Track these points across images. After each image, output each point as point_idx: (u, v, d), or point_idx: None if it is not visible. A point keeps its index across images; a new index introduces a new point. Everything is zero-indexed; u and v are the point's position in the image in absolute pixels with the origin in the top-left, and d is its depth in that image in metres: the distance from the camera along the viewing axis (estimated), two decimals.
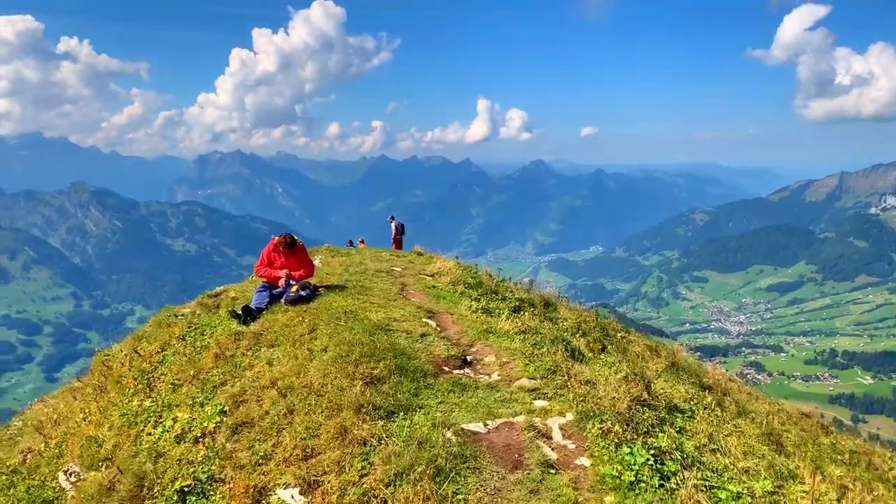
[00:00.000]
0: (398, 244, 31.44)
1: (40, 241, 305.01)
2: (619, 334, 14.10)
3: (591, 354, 10.20)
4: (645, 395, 7.37)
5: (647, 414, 7.09)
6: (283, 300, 10.28)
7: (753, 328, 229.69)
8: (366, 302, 10.18)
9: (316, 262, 16.51)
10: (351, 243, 33.52)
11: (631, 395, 7.13)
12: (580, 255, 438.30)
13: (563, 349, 9.08)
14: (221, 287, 13.44)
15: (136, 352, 9.96)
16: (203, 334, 10.20)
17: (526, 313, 12.42)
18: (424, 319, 9.75)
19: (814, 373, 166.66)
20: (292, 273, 10.80)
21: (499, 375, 7.99)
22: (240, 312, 9.88)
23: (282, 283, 10.68)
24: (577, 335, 11.59)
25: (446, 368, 8.07)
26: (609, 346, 11.62)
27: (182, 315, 11.55)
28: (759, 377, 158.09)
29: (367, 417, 6.57)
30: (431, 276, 13.93)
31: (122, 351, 10.82)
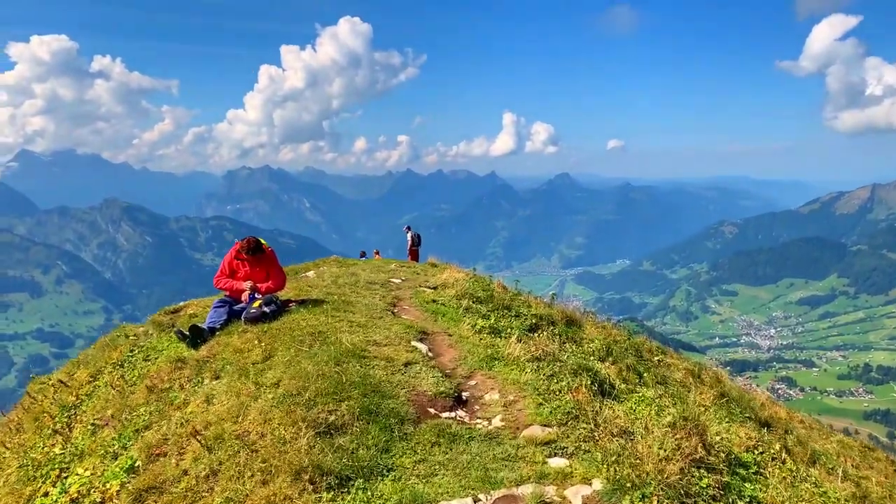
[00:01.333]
0: (414, 255, 30.08)
1: (73, 255, 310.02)
2: (655, 357, 11.99)
3: (624, 386, 8.17)
4: (701, 450, 5.33)
5: (705, 480, 5.06)
6: (242, 318, 8.40)
7: (784, 342, 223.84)
8: (343, 320, 8.25)
9: (310, 275, 14.66)
10: (364, 255, 32.00)
11: (684, 452, 5.07)
12: (607, 268, 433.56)
13: (589, 382, 7.03)
14: (184, 302, 11.60)
15: (63, 381, 8.10)
16: (147, 359, 8.35)
17: (544, 333, 10.40)
18: (413, 343, 7.77)
19: (847, 388, 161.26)
20: (258, 285, 8.93)
21: (502, 420, 5.99)
22: (187, 333, 8.01)
23: (245, 296, 8.82)
24: (607, 361, 9.56)
25: (433, 410, 6.09)
26: (646, 374, 9.56)
27: (135, 335, 9.71)
28: (791, 392, 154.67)
29: (310, 487, 4.63)
30: (434, 288, 11.99)
31: (57, 379, 8.98)
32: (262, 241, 9.06)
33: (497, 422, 5.96)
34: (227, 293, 9.10)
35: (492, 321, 9.62)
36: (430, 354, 7.55)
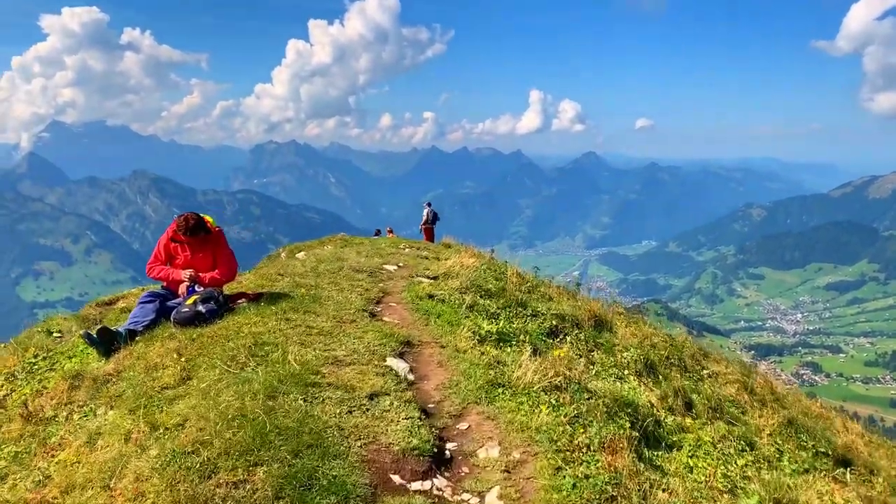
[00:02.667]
0: (429, 234, 28.37)
1: (102, 226, 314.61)
2: (700, 367, 9.86)
3: (671, 421, 6.15)
4: None
5: None
6: (171, 319, 6.46)
7: (811, 327, 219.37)
8: (300, 326, 6.25)
9: (300, 256, 12.71)
10: (378, 233, 30.22)
11: None
12: (632, 249, 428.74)
13: (629, 425, 4.98)
14: (123, 291, 9.71)
15: None
16: (53, 368, 6.46)
17: (566, 339, 8.36)
18: (389, 360, 5.73)
19: (874, 375, 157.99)
20: (200, 275, 6.98)
21: (500, 497, 3.96)
22: (95, 336, 6.10)
23: (182, 289, 6.88)
24: (647, 379, 7.51)
25: (398, 478, 4.06)
26: (696, 400, 7.48)
27: (59, 332, 7.80)
28: (816, 378, 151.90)
29: None
30: (434, 278, 9.93)
31: None
32: (208, 219, 7.09)
33: (493, 500, 3.94)
34: (165, 284, 7.18)
35: (500, 324, 7.57)
36: (409, 378, 5.52)
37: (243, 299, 7.08)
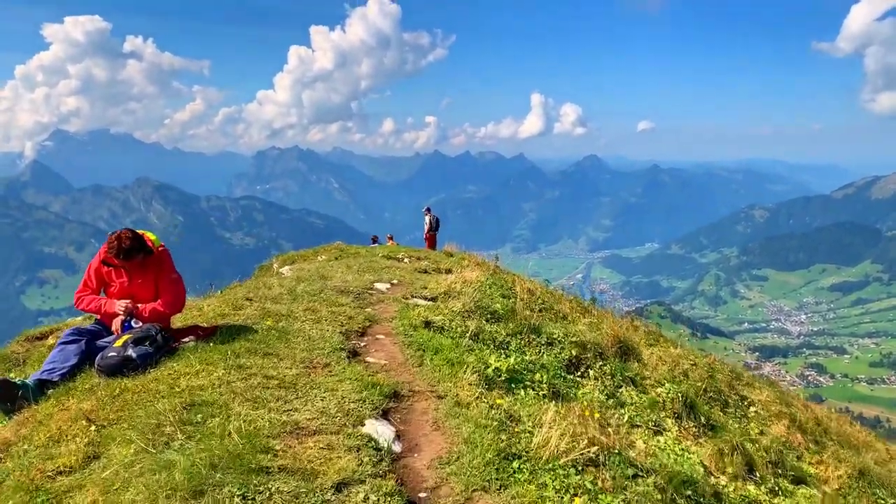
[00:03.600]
0: (431, 241, 27.20)
1: (106, 233, 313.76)
2: (746, 403, 8.47)
3: (731, 490, 4.79)
4: None
5: None
6: (95, 364, 5.09)
7: (815, 328, 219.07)
8: (258, 374, 4.83)
9: (285, 272, 11.35)
10: (376, 240, 28.67)
11: None
12: (635, 251, 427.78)
13: None
14: (58, 323, 8.35)
15: None
16: None
17: (590, 373, 6.98)
18: (367, 425, 4.28)
19: (879, 376, 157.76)
20: (139, 306, 5.62)
21: None
22: None
23: (117, 324, 5.52)
24: (688, 423, 6.14)
25: None
26: (751, 448, 6.10)
27: None
28: (821, 379, 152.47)
29: None
30: (432, 299, 8.56)
31: None
32: (150, 237, 5.73)
33: None
34: (97, 318, 5.82)
35: (511, 360, 6.18)
36: (394, 450, 4.12)
37: (191, 336, 5.71)
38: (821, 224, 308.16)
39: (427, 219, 27.65)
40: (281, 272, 11.17)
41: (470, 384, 5.34)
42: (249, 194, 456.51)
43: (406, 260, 15.78)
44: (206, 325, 6.21)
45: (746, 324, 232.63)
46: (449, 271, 14.72)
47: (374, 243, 27.21)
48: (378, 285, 9.22)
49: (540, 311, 9.97)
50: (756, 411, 8.03)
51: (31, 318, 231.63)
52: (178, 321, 6.52)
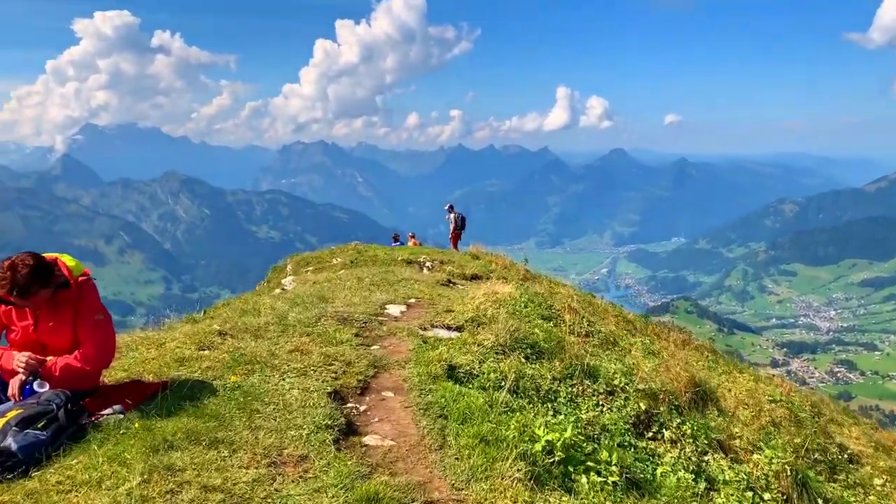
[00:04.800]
0: (456, 240, 25.52)
1: (134, 226, 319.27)
2: (866, 472, 6.69)
3: None
4: None
5: None
6: None
7: (845, 324, 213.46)
8: (192, 484, 3.17)
9: (287, 284, 9.74)
10: (397, 239, 26.85)
11: None
12: (661, 246, 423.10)
13: None
14: None
15: None
16: None
17: (665, 437, 5.25)
18: None
19: None
20: (46, 361, 4.01)
21: None
22: None
23: (14, 386, 3.89)
24: None
25: None
26: None
27: None
28: (851, 376, 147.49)
29: None
30: (458, 328, 6.86)
31: None
32: (66, 262, 4.11)
33: None
34: None
35: (567, 433, 4.43)
36: None
37: (118, 406, 4.05)
38: (852, 218, 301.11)
39: (451, 217, 25.82)
40: (283, 284, 9.58)
41: (514, 481, 3.64)
42: (275, 188, 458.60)
43: (427, 264, 14.27)
44: (150, 378, 4.57)
45: (774, 319, 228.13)
46: (475, 277, 13.12)
47: (395, 242, 25.81)
48: (390, 308, 7.55)
49: (587, 334, 8.27)
50: (882, 485, 6.24)
51: None
52: (118, 371, 4.90)
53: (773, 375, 12.10)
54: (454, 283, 10.94)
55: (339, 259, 15.94)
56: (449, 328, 6.86)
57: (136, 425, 3.69)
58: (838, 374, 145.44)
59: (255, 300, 8.14)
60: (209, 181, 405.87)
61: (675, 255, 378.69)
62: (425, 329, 6.73)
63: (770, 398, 8.08)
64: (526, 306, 8.41)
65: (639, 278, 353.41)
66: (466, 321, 7.04)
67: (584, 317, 9.04)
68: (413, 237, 26.81)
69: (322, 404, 4.29)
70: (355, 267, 12.98)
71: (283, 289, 10.23)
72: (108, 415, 3.91)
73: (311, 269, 15.14)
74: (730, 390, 7.55)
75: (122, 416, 3.93)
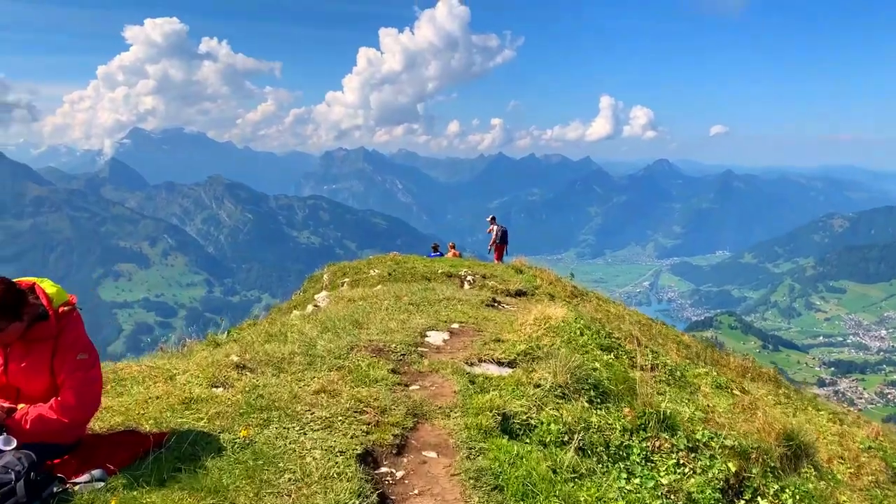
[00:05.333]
0: (500, 253, 24.52)
1: (178, 229, 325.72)
2: None
3: None
4: None
5: None
6: None
7: None
8: None
9: (320, 301, 9.03)
10: (436, 249, 26.00)
11: None
12: (705, 259, 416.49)
13: None
14: None
15: None
16: None
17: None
18: None
19: None
20: (16, 410, 3.28)
21: None
22: None
23: None
24: None
25: None
26: None
27: None
28: None
29: None
30: (510, 364, 5.99)
31: None
32: (45, 289, 3.40)
33: None
34: None
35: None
36: None
37: (97, 472, 3.27)
38: None
39: (493, 229, 25.01)
40: (316, 300, 8.85)
41: None
42: (316, 194, 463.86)
43: (469, 278, 13.50)
44: (148, 427, 3.81)
45: (821, 337, 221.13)
46: (520, 294, 12.31)
47: (434, 252, 24.97)
48: (431, 336, 6.71)
49: (651, 367, 7.34)
50: None
51: (106, 309, 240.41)
52: (115, 414, 4.14)
53: (849, 409, 10.97)
54: (499, 303, 10.06)
55: (376, 271, 15.16)
56: (499, 363, 6.02)
57: (130, 488, 2.91)
58: (889, 396, 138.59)
59: (282, 322, 7.39)
60: (252, 186, 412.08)
61: (720, 268, 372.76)
62: (472, 364, 5.88)
63: (861, 444, 7.06)
64: (582, 334, 7.50)
65: (681, 291, 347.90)
66: (518, 354, 6.17)
67: (646, 346, 8.07)
68: (453, 247, 25.85)
69: (349, 473, 3.44)
70: (393, 281, 12.33)
71: (315, 306, 9.54)
72: (84, 483, 3.14)
73: (347, 280, 14.40)
74: (818, 438, 6.54)
75: (101, 483, 3.16)
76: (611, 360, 6.73)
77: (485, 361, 6.02)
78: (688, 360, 9.78)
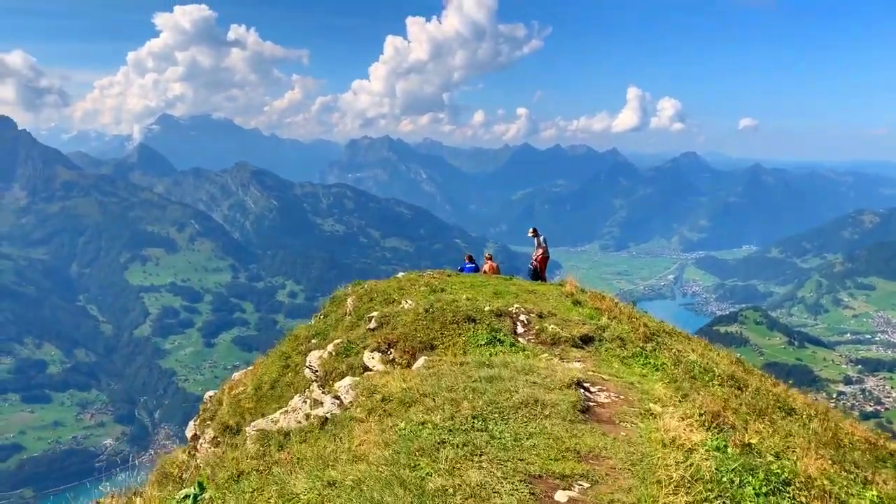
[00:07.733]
0: (542, 266, 22.81)
1: (205, 215, 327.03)
2: None
3: None
4: None
5: None
6: None
7: None
8: None
9: (343, 391, 9.56)
10: (471, 260, 23.65)
11: None
12: (731, 253, 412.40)
13: None
14: None
15: None
16: None
17: None
18: None
19: None
20: None
21: None
22: None
23: None
24: None
25: None
26: None
27: None
28: None
29: None
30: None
31: None
32: None
33: None
34: None
35: None
36: None
37: None
38: None
39: (537, 242, 22.87)
40: (338, 391, 8.60)
41: None
42: (341, 182, 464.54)
43: (522, 317, 12.48)
44: None
45: (849, 334, 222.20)
46: (586, 341, 11.40)
47: (469, 264, 23.09)
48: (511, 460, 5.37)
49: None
50: None
51: (134, 293, 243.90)
52: None
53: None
54: (588, 397, 7.55)
55: (409, 303, 13.58)
56: (582, 481, 5.00)
57: None
58: None
59: (273, 476, 5.55)
60: (278, 173, 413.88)
61: (746, 263, 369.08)
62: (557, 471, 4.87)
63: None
64: (741, 483, 5.33)
65: (706, 286, 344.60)
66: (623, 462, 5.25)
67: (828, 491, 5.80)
68: (490, 259, 23.42)
69: None
70: (430, 321, 11.37)
71: (336, 399, 8.33)
72: None
73: (374, 314, 13.10)
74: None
75: None
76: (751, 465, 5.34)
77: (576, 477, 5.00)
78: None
